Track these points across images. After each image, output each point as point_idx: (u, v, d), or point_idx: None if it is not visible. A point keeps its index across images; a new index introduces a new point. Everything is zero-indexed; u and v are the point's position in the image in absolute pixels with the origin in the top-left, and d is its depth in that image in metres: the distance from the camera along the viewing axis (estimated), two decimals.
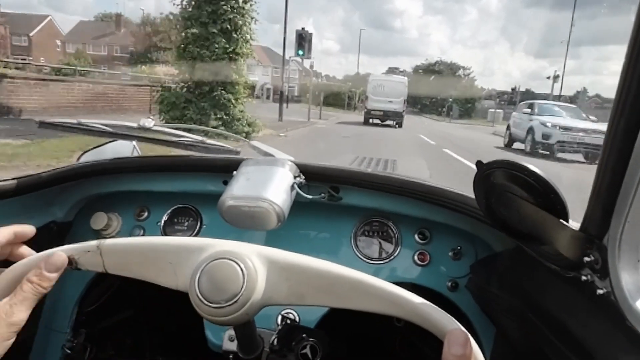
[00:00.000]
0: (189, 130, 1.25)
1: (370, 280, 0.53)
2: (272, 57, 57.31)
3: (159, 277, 0.56)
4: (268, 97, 45.96)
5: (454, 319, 0.49)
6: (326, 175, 1.00)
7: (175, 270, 0.55)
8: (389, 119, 21.87)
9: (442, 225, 1.00)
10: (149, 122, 1.17)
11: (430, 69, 62.91)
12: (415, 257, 1.03)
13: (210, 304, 0.52)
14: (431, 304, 0.50)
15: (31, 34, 48.24)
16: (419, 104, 57.61)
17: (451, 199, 0.91)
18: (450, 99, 46.54)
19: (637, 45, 0.39)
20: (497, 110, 38.70)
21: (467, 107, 47.75)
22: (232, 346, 0.89)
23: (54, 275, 0.54)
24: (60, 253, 0.56)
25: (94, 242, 0.58)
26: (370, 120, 22.30)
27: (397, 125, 21.76)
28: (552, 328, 0.56)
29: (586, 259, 0.49)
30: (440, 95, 52.94)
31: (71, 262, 0.57)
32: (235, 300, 0.52)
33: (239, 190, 0.90)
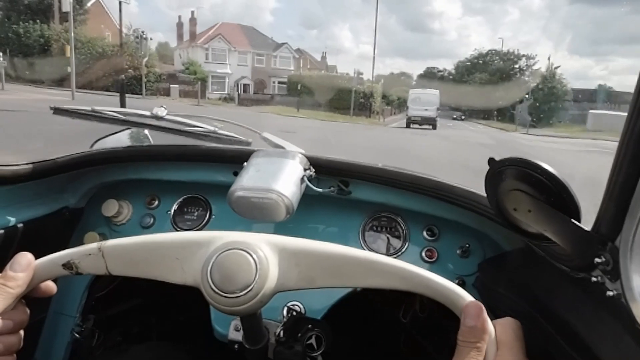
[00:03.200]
0: (201, 120, 1.26)
1: (380, 258, 0.55)
2: (255, 41, 42.93)
3: (165, 274, 0.56)
4: (243, 95, 37.12)
5: (467, 293, 0.50)
6: (336, 168, 1.00)
7: (182, 266, 0.55)
8: (426, 122, 26.82)
9: (451, 222, 0.99)
10: (161, 111, 1.18)
11: (479, 63, 52.56)
12: (423, 254, 1.03)
13: (225, 295, 0.52)
14: (443, 278, 0.52)
15: None
16: (463, 108, 47.83)
17: (461, 196, 0.90)
18: (526, 96, 32.02)
19: None
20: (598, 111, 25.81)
21: (547, 110, 33.11)
22: (238, 336, 0.89)
23: (21, 275, 0.54)
24: (24, 253, 0.56)
25: (94, 245, 0.57)
26: (411, 125, 27.31)
27: (432, 127, 26.24)
28: (559, 330, 0.56)
29: (597, 260, 0.48)
30: (505, 96, 40.60)
31: (71, 266, 0.56)
32: (250, 288, 0.52)
33: (249, 181, 0.91)
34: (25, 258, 0.55)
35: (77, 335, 1.09)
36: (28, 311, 0.55)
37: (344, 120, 28.00)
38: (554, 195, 0.52)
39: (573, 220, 0.50)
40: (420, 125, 26.93)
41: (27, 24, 30.54)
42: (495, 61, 51.87)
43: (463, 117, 45.73)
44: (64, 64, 28.67)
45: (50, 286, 0.59)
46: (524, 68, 50.20)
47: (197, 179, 1.11)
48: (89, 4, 37.62)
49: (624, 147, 0.44)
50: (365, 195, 1.02)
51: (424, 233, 1.04)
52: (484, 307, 0.48)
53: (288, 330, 0.84)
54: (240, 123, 1.34)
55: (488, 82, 45.84)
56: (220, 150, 1.11)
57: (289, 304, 0.98)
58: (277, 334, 0.83)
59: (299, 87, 33.70)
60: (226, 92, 38.64)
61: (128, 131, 1.45)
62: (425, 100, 27.52)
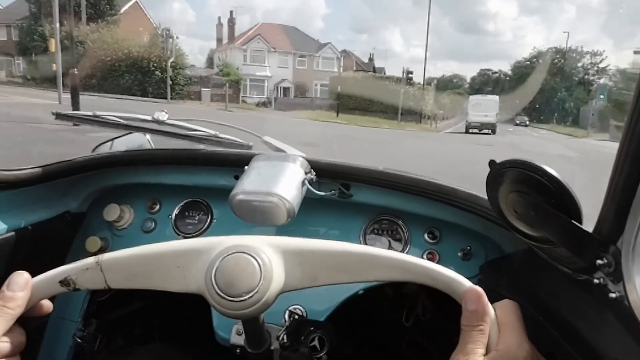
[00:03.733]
0: (201, 124, 1.26)
1: (380, 251, 0.55)
2: (297, 41, 40.51)
3: (167, 284, 0.56)
4: (282, 99, 34.57)
5: (466, 279, 0.52)
6: (337, 172, 1.00)
7: (184, 274, 0.55)
8: (485, 128, 27.04)
9: (452, 225, 0.99)
10: (162, 116, 1.18)
11: (539, 63, 47.56)
12: (424, 257, 1.02)
13: (232, 299, 0.52)
14: (443, 267, 0.53)
15: None
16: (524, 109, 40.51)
17: (462, 198, 0.90)
18: (601, 97, 27.51)
19: None
20: None
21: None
22: (240, 340, 0.89)
23: (20, 295, 0.52)
24: (21, 272, 0.54)
25: (91, 259, 0.56)
26: (469, 130, 27.21)
27: (491, 132, 26.60)
28: (562, 332, 0.55)
29: (599, 262, 0.48)
30: (568, 97, 38.99)
31: (68, 283, 0.55)
32: (256, 290, 0.52)
33: (250, 185, 0.91)
34: (22, 277, 0.53)
35: (79, 340, 1.09)
36: (24, 332, 0.54)
37: (391, 126, 25.37)
38: (555, 197, 0.52)
39: (574, 222, 0.50)
40: (480, 130, 27.07)
41: (53, 25, 29.90)
42: (556, 60, 47.29)
43: (527, 123, 40.04)
44: (90, 67, 27.65)
45: (47, 305, 0.57)
46: (589, 67, 47.30)
47: (198, 183, 1.11)
48: (127, 6, 36.30)
49: (624, 148, 0.44)
50: (366, 198, 1.02)
51: (425, 236, 1.04)
52: (483, 292, 0.49)
53: (291, 334, 0.84)
54: (240, 127, 1.34)
55: (549, 82, 41.73)
56: (221, 154, 1.11)
57: (290, 308, 0.98)
58: (280, 337, 0.83)
59: (339, 89, 30.48)
60: (265, 96, 36.25)
61: (129, 136, 1.45)
62: (485, 106, 27.78)
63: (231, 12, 43.14)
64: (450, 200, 0.92)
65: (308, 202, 0.97)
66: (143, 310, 1.33)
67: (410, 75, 29.66)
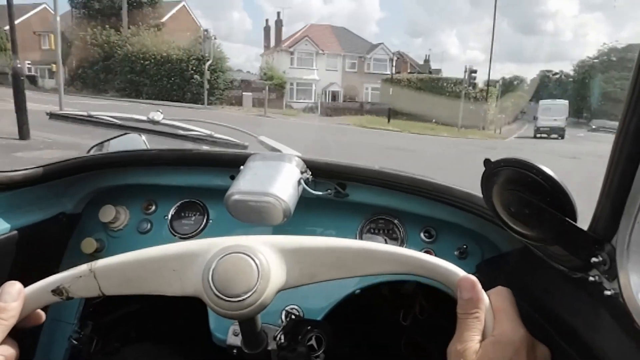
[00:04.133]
0: (196, 124, 1.26)
1: (375, 246, 0.56)
2: (347, 42, 37.71)
3: (163, 288, 0.55)
4: (329, 103, 31.22)
5: (460, 269, 0.53)
6: (333, 171, 1.00)
7: (181, 277, 0.55)
8: (554, 132, 26.79)
9: (448, 223, 0.99)
10: (157, 116, 1.18)
11: (611, 61, 39.35)
12: None
13: (230, 299, 0.52)
14: (437, 258, 0.54)
15: None
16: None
17: (458, 197, 0.90)
18: None
19: None
20: None
21: None
22: (237, 341, 0.89)
23: (14, 305, 0.51)
24: (13, 282, 0.53)
25: (84, 267, 0.55)
26: (537, 135, 26.92)
27: (559, 137, 26.46)
28: (558, 330, 0.56)
29: (594, 259, 0.48)
30: None
31: (61, 292, 0.54)
32: (254, 290, 0.52)
33: (246, 185, 0.91)
34: (14, 287, 0.52)
35: (75, 342, 1.09)
36: (17, 344, 0.53)
37: (450, 134, 22.06)
38: (550, 195, 0.52)
39: (569, 220, 0.51)
40: (549, 135, 26.82)
41: (95, 30, 28.97)
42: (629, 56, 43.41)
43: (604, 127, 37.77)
44: (127, 72, 27.25)
45: (39, 315, 0.56)
46: None
47: (194, 183, 1.10)
48: (174, 9, 35.38)
49: (619, 146, 0.44)
50: (362, 198, 1.02)
51: (422, 235, 1.04)
52: (477, 280, 0.51)
53: (288, 334, 0.84)
54: (235, 127, 1.34)
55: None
56: (216, 154, 1.11)
57: (287, 308, 0.98)
58: (277, 338, 0.83)
59: (390, 92, 28.27)
60: (312, 101, 34.24)
61: (124, 136, 1.44)
62: (555, 110, 27.58)
63: (278, 13, 41.05)
64: (446, 199, 0.92)
65: (304, 201, 0.97)
66: (139, 312, 1.32)
67: (474, 75, 26.68)
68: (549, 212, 0.53)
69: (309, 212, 1.06)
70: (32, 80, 27.58)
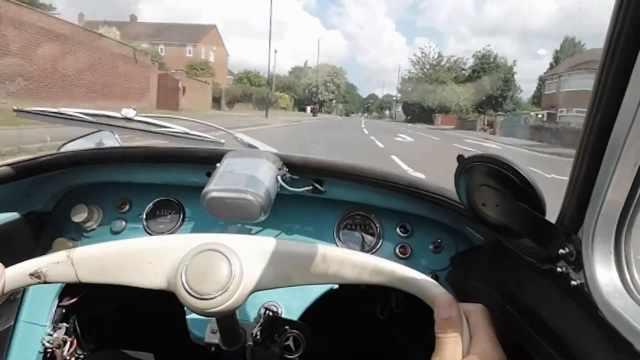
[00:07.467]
0: (171, 121, 1.24)
1: (353, 254, 0.56)
2: None
3: (138, 280, 0.56)
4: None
5: (438, 284, 0.52)
6: (310, 167, 1.00)
7: (156, 270, 0.55)
8: None
9: (423, 218, 1.01)
10: (130, 112, 1.16)
11: None
12: (397, 250, 1.04)
13: (201, 297, 0.52)
14: (416, 271, 0.54)
15: None
16: None
17: (432, 192, 0.91)
18: None
19: (614, 41, 0.40)
20: None
21: None
22: (214, 338, 0.89)
23: None
24: None
25: (62, 253, 0.56)
26: None
27: None
28: (529, 319, 0.57)
29: (562, 251, 0.50)
30: None
31: (38, 275, 0.55)
32: (225, 289, 0.52)
33: (222, 182, 0.90)
34: None
35: (48, 344, 1.06)
36: None
37: None
38: (520, 190, 0.54)
39: (538, 214, 0.52)
40: None
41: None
42: None
43: None
44: None
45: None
46: None
47: (169, 180, 1.09)
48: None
49: (584, 142, 0.45)
50: (339, 194, 1.03)
51: (398, 230, 1.05)
52: (453, 298, 0.50)
53: (265, 331, 0.84)
54: (210, 123, 1.33)
55: None
56: (192, 151, 1.10)
57: (265, 304, 0.98)
58: (254, 334, 0.83)
59: None
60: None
61: (97, 133, 1.41)
62: None
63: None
64: (421, 194, 0.93)
65: (282, 198, 0.97)
66: (115, 313, 1.30)
67: None
68: (519, 206, 0.54)
69: (287, 208, 1.06)
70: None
